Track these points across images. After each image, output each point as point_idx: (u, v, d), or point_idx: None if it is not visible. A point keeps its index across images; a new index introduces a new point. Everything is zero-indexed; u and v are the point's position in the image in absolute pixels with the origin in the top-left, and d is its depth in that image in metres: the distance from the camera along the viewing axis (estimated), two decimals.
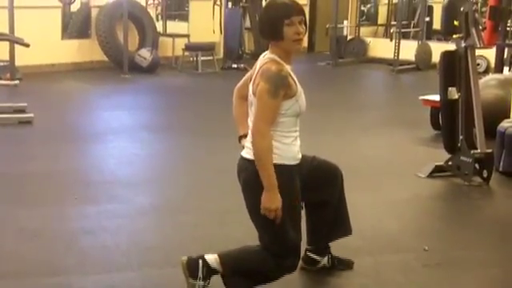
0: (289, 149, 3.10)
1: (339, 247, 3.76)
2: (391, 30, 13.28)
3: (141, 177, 5.39)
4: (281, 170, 3.04)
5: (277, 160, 3.04)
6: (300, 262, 3.39)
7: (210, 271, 3.17)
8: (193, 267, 3.17)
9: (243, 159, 3.14)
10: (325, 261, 3.56)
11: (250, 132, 3.10)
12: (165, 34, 11.82)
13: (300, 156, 3.19)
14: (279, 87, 2.98)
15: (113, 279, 3.46)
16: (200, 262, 3.17)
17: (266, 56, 3.10)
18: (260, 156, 3.00)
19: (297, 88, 3.08)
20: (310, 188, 3.26)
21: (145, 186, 5.11)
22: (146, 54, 10.77)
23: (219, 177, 5.02)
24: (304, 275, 3.54)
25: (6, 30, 8.30)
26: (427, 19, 12.32)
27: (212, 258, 3.18)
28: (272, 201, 3.00)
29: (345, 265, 3.61)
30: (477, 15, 5.31)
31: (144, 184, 5.18)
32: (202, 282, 3.16)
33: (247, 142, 3.13)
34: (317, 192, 3.32)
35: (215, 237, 3.94)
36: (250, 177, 3.08)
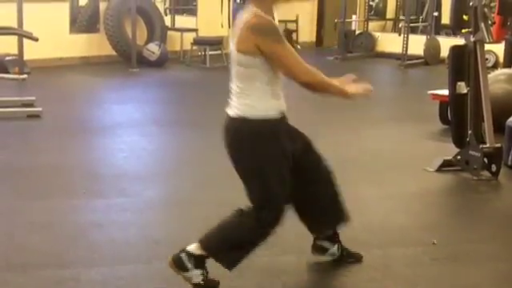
0: (270, 102, 3.07)
1: (348, 240, 3.76)
2: (400, 25, 13.27)
3: (149, 171, 5.39)
4: (264, 123, 3.06)
5: (259, 113, 3.04)
6: (311, 250, 3.46)
7: (198, 259, 3.17)
8: (179, 262, 3.17)
9: (230, 118, 3.11)
10: (334, 249, 3.55)
11: (234, 89, 3.08)
12: (173, 29, 11.83)
13: (284, 108, 3.14)
14: (278, 34, 2.99)
15: (121, 272, 3.46)
16: (183, 255, 3.17)
17: (248, 12, 3.02)
18: (320, 87, 3.07)
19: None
20: (299, 176, 3.24)
21: (153, 180, 5.12)
22: (154, 49, 10.77)
23: (227, 170, 5.00)
24: (312, 270, 3.54)
25: (15, 24, 8.31)
26: (436, 14, 12.30)
27: (193, 247, 3.18)
28: (353, 89, 3.15)
29: (353, 258, 3.61)
30: (486, 10, 5.28)
31: (153, 178, 5.18)
32: (196, 271, 3.16)
33: (232, 101, 3.10)
34: (306, 184, 3.32)
35: None
36: (237, 134, 3.09)
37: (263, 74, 3.02)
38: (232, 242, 3.20)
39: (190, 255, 3.17)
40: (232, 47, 3.07)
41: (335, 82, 3.14)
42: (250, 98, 3.05)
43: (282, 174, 3.14)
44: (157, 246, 3.80)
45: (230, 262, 3.22)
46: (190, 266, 3.16)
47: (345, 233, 4.00)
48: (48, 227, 4.03)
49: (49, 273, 3.43)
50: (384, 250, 3.82)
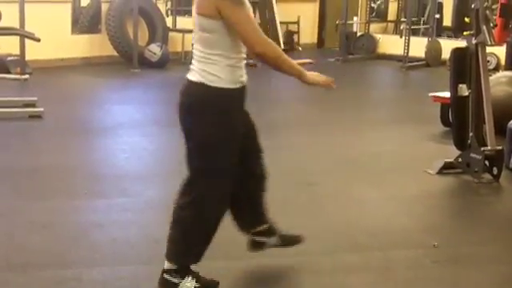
0: (231, 72, 2.97)
1: (348, 242, 3.77)
2: (401, 27, 13.27)
3: (150, 171, 5.40)
4: (221, 94, 2.97)
5: (216, 83, 2.95)
6: (248, 247, 3.43)
7: (180, 271, 3.13)
8: (166, 283, 3.14)
9: (190, 82, 3.02)
10: (273, 240, 3.45)
11: (196, 54, 2.99)
12: (174, 29, 11.83)
13: (244, 79, 3.05)
14: None
15: (122, 272, 3.47)
16: (165, 275, 3.14)
17: None
18: (276, 60, 2.95)
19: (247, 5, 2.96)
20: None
21: (154, 180, 5.12)
22: (155, 49, 10.78)
23: None
24: (312, 272, 3.54)
25: (17, 25, 8.31)
26: (437, 16, 12.30)
27: (167, 264, 3.15)
28: (312, 75, 3.04)
29: (294, 242, 3.52)
30: (488, 12, 5.28)
31: (153, 178, 5.19)
32: (186, 279, 3.12)
33: (193, 66, 3.02)
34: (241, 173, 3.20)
35: (223, 230, 3.92)
36: (196, 99, 3.01)
37: (225, 39, 2.92)
38: (189, 241, 3.13)
39: (170, 271, 3.14)
40: (194, 10, 2.97)
41: (296, 63, 3.04)
42: (211, 66, 2.94)
43: (232, 148, 3.06)
44: (157, 245, 3.78)
45: (197, 257, 3.17)
46: (177, 280, 3.13)
47: (345, 235, 4.02)
48: (49, 227, 4.04)
49: (50, 273, 3.43)
50: (385, 253, 3.81)
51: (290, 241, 3.52)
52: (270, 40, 2.96)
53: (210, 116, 2.98)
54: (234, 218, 3.38)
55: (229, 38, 2.93)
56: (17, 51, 8.74)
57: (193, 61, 3.03)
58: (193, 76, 3.02)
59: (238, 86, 3.02)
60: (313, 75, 3.07)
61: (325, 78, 3.10)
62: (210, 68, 2.96)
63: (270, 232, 3.45)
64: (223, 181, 3.08)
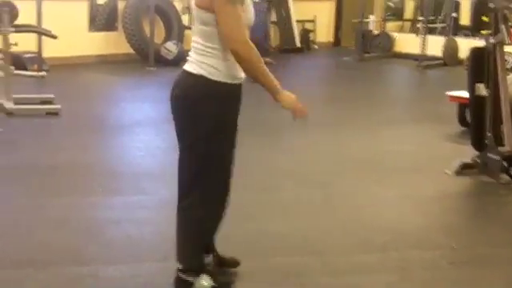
0: (229, 66, 2.93)
1: (364, 243, 3.75)
2: (417, 25, 13.21)
3: (166, 168, 5.38)
4: (219, 88, 2.93)
5: (216, 77, 2.91)
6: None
7: (195, 270, 3.13)
8: (182, 283, 3.13)
9: (188, 73, 2.97)
10: (209, 259, 3.36)
11: (195, 46, 2.96)
12: (190, 27, 11.84)
13: (242, 76, 3.00)
14: None
15: (138, 269, 3.48)
16: (180, 274, 3.14)
17: None
18: (249, 63, 2.88)
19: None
20: None
21: (169, 178, 5.06)
22: (171, 47, 10.79)
23: (240, 170, 5.01)
24: (327, 271, 3.53)
25: (34, 22, 8.37)
26: (454, 15, 12.22)
27: (179, 265, 3.15)
28: (288, 96, 2.96)
29: (230, 265, 3.42)
30: (506, 12, 5.24)
31: (169, 176, 5.13)
32: (201, 277, 3.11)
33: (191, 58, 2.98)
34: None
35: (235, 229, 3.92)
36: (195, 92, 2.95)
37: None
38: (194, 241, 3.14)
39: (185, 270, 3.14)
40: (193, 1, 2.95)
41: (274, 78, 2.95)
42: (210, 59, 2.91)
43: (228, 146, 3.07)
44: (172, 243, 3.76)
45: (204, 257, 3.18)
46: (192, 278, 3.12)
47: (360, 235, 4.00)
48: (66, 224, 4.06)
49: (67, 269, 3.44)
50: (401, 253, 3.79)
51: (224, 263, 3.42)
52: (251, 44, 2.87)
53: (206, 110, 2.93)
54: None
55: None
56: (34, 48, 8.80)
57: (190, 53, 3.00)
58: (191, 68, 2.97)
59: (236, 82, 2.99)
60: (289, 98, 2.97)
61: (298, 107, 3.00)
62: (209, 60, 2.92)
63: (210, 249, 3.39)
64: (222, 179, 3.09)
